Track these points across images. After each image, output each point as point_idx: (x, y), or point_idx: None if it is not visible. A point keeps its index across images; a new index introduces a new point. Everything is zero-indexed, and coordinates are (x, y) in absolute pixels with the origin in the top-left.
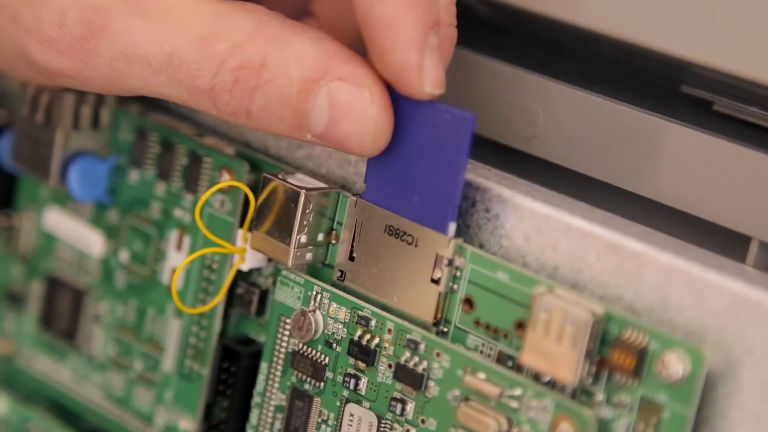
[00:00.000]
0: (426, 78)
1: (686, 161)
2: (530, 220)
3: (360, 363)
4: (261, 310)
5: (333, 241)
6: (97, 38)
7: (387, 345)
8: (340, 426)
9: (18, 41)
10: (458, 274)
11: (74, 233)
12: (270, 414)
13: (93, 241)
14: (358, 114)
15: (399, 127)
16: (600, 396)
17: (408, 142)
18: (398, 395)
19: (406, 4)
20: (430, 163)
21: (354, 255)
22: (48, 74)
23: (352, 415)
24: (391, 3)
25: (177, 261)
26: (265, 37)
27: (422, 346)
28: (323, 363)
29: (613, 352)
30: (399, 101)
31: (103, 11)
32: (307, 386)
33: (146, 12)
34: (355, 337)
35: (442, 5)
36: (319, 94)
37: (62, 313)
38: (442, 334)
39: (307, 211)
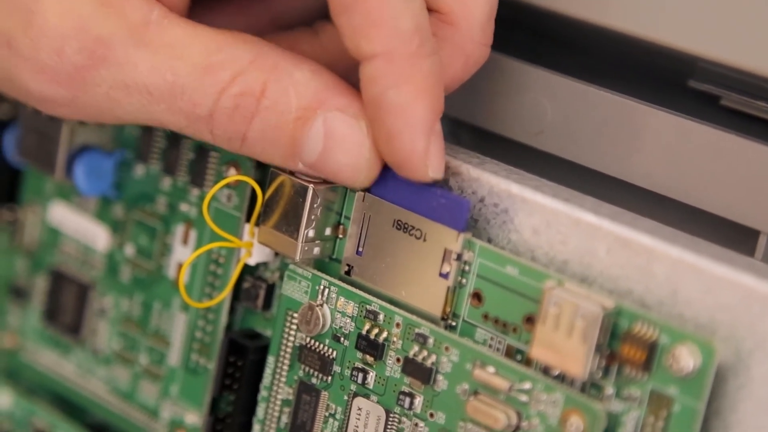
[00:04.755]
0: (430, 164)
1: (694, 156)
2: (539, 215)
3: (368, 357)
4: (268, 304)
5: (340, 236)
6: (97, 68)
7: (395, 339)
8: (348, 420)
9: (12, 67)
10: (467, 268)
11: (79, 227)
12: (277, 408)
13: (98, 236)
14: (353, 145)
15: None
16: (610, 390)
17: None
18: (406, 389)
19: (419, 91)
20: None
21: (361, 249)
22: (39, 101)
23: (360, 409)
24: (404, 90)
25: (183, 255)
26: (265, 66)
27: (431, 340)
28: (331, 357)
29: (623, 345)
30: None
31: (107, 42)
32: (314, 380)
33: (150, 43)
34: (363, 331)
35: (479, 24)
36: (316, 123)
37: (67, 307)
38: (451, 329)
39: (315, 205)
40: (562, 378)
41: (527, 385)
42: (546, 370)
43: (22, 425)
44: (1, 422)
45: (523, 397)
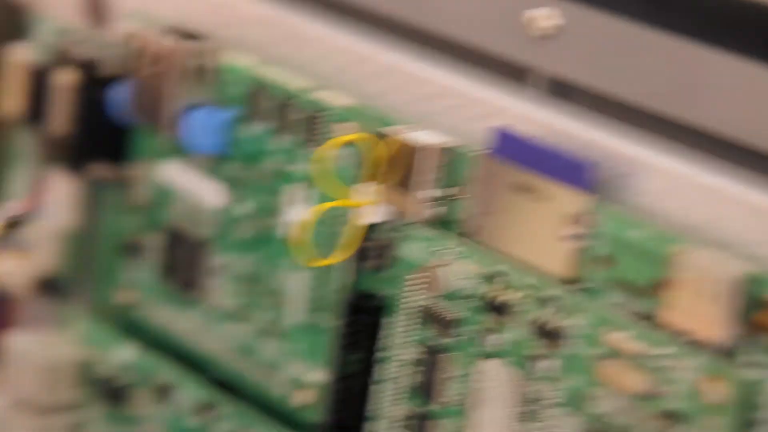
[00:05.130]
0: None
1: None
2: (665, 179)
3: (492, 319)
4: (387, 264)
5: (460, 197)
6: None
7: (520, 301)
8: (475, 382)
9: None
10: (592, 231)
11: (192, 185)
12: (399, 369)
13: (211, 193)
14: None
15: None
16: (748, 357)
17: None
18: (534, 352)
19: None
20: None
21: (483, 210)
22: None
23: (486, 372)
24: None
25: (298, 214)
26: None
27: (558, 303)
28: (454, 319)
29: (761, 312)
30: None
31: None
32: (438, 342)
33: None
34: (487, 293)
35: None
36: None
37: (183, 264)
38: (578, 292)
39: (434, 165)
40: (697, 344)
41: (662, 351)
42: (679, 335)
43: (144, 380)
44: (126, 375)
45: (658, 363)
